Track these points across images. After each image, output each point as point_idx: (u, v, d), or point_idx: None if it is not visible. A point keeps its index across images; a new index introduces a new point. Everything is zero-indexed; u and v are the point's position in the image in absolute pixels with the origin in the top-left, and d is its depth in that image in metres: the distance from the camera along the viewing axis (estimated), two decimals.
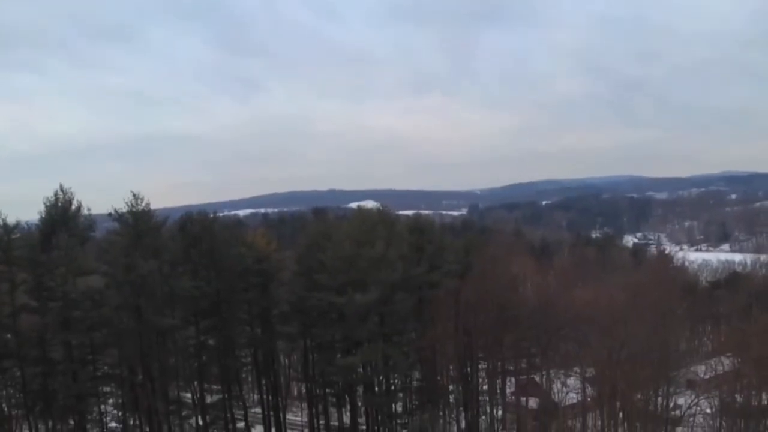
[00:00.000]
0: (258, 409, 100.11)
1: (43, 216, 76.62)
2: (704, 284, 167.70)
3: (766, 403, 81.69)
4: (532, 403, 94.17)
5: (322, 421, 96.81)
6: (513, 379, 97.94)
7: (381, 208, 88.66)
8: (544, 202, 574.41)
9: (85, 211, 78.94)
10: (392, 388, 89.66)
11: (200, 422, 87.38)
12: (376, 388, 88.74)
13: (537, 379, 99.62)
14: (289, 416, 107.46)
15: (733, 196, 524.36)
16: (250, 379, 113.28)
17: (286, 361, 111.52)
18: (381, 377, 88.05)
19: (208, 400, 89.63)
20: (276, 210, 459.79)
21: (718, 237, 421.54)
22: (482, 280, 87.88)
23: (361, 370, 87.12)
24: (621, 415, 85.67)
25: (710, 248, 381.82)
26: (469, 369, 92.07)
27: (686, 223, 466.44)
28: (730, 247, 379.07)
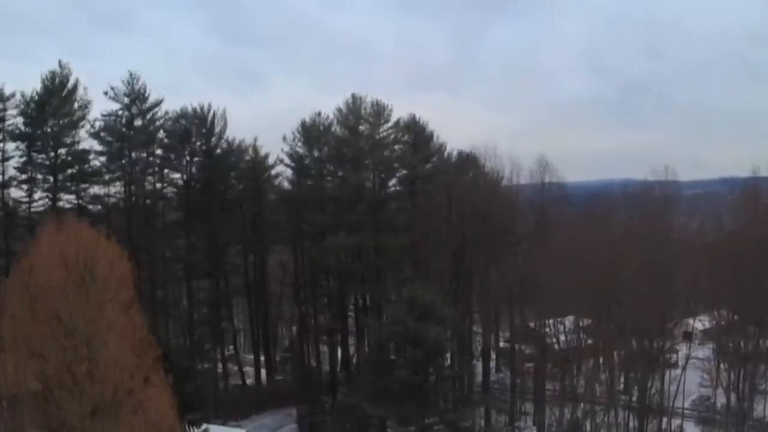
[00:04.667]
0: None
1: (40, 89, 75.59)
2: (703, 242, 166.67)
3: (762, 348, 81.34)
4: (527, 348, 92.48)
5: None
6: (508, 324, 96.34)
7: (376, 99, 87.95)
8: None
9: (81, 90, 77.49)
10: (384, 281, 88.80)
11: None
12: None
13: (532, 324, 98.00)
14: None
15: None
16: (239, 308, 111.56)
17: (279, 289, 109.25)
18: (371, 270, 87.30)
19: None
20: None
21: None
22: (477, 186, 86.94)
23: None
24: (616, 359, 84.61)
25: None
26: (460, 283, 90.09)
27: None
28: None
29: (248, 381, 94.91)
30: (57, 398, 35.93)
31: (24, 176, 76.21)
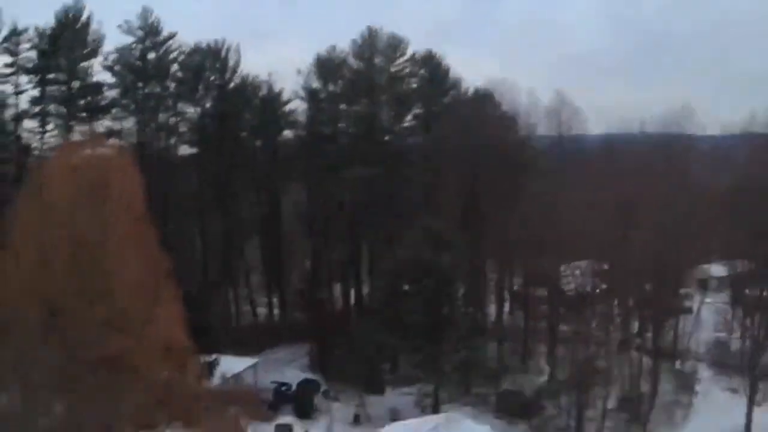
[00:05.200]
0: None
1: (53, 23, 75.26)
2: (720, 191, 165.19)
3: None
4: (541, 291, 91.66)
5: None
6: (522, 267, 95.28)
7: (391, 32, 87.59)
8: None
9: (95, 24, 77.33)
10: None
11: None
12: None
13: (547, 269, 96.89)
14: None
15: None
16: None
17: (292, 226, 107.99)
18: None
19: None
20: None
21: None
22: (493, 121, 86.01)
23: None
24: (631, 303, 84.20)
25: None
26: (474, 219, 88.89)
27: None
28: None
29: (260, 320, 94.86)
30: (67, 310, 35.70)
31: (37, 108, 76.03)
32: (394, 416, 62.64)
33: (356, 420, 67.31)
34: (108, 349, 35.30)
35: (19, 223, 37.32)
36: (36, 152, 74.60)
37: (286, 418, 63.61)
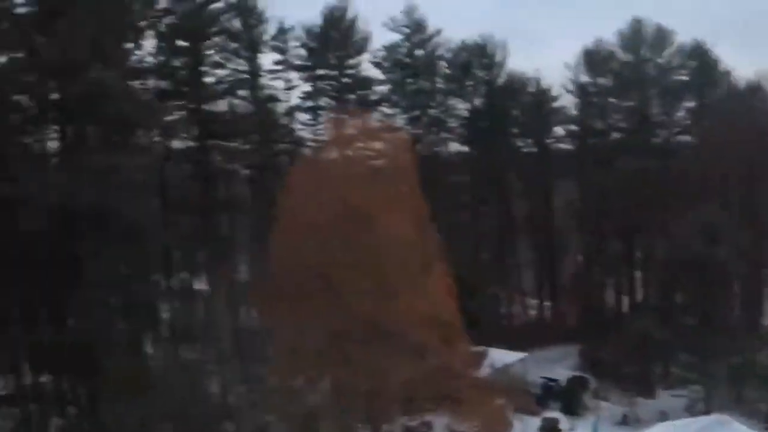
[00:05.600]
0: None
1: (320, 21, 77.90)
2: None
3: None
4: None
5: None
6: None
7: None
8: None
9: (361, 23, 79.36)
10: None
11: None
12: None
13: None
14: None
15: None
16: None
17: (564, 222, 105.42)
18: None
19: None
20: None
21: None
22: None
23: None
24: None
25: None
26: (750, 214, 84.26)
27: None
28: None
29: (531, 317, 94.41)
30: (340, 281, 36.37)
31: (309, 103, 78.70)
32: (663, 419, 60.24)
33: (624, 420, 65.62)
34: (378, 317, 35.65)
35: (294, 203, 38.47)
36: (309, 144, 76.61)
37: (553, 414, 62.50)
